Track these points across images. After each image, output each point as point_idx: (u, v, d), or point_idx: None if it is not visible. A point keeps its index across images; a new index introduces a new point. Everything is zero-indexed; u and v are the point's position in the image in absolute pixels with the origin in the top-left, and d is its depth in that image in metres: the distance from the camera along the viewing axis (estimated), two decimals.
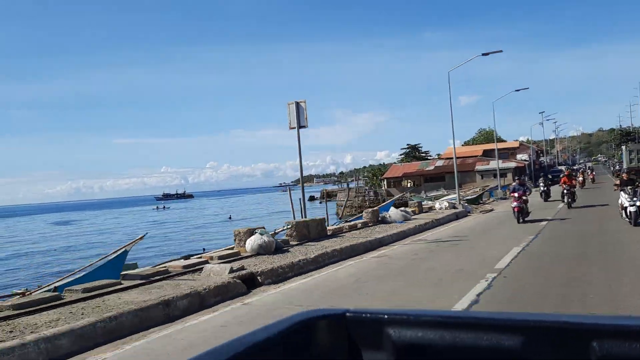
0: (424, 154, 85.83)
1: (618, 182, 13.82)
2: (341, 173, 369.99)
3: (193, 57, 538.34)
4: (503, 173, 40.01)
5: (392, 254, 9.51)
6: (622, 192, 12.56)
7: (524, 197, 14.15)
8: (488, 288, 6.16)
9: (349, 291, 6.50)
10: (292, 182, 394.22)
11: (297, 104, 10.90)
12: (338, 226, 13.57)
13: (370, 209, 15.79)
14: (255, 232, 9.08)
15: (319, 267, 8.27)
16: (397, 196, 37.57)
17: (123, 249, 8.25)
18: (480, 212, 19.74)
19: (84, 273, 7.90)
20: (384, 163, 64.98)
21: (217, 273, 7.27)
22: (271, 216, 51.43)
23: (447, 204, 20.29)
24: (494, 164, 46.08)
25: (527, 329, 0.98)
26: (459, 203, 20.65)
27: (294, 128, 11.06)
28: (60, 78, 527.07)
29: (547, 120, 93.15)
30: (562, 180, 18.62)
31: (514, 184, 15.64)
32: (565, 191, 17.88)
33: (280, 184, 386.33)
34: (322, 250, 9.19)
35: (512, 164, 45.15)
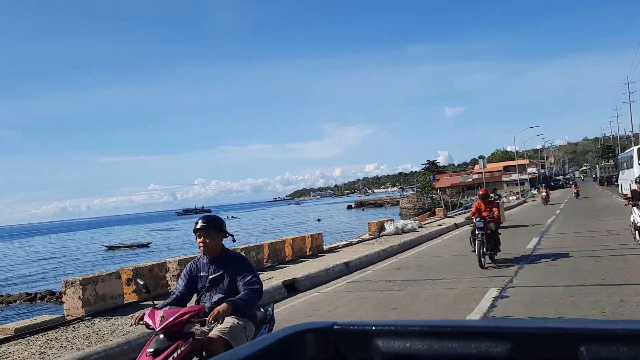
0: (441, 169, 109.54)
1: (629, 194, 10.81)
2: (336, 186, 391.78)
3: (179, 75, 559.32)
4: (522, 182, 63.03)
5: (520, 207, 31.89)
6: (634, 208, 10.20)
7: None
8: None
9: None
10: (286, 196, 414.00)
11: (483, 158, 33.62)
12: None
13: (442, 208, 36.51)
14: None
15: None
16: (449, 200, 60.95)
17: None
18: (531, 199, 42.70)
19: None
20: (428, 173, 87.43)
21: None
22: (353, 219, 73.27)
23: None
24: (514, 176, 69.76)
25: (515, 336, 1.02)
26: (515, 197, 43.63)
27: (482, 170, 33.84)
28: (45, 98, 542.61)
29: (534, 129, 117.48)
30: (474, 208, 10.86)
31: None
32: (476, 231, 9.87)
33: (275, 198, 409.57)
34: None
35: (527, 176, 68.54)
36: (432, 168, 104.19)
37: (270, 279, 9.42)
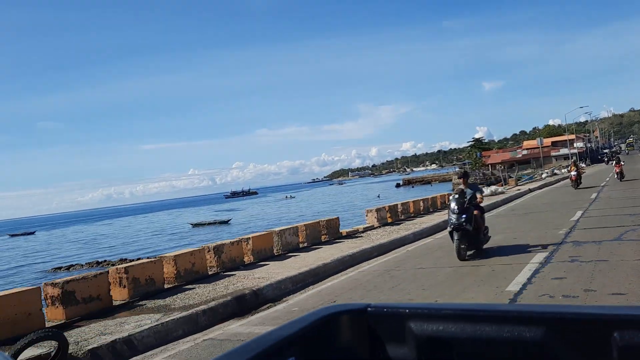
0: (486, 145, 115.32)
1: None
2: (373, 166, 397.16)
3: (214, 60, 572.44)
4: (571, 156, 68.84)
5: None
6: None
7: None
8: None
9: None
10: (324, 177, 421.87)
11: (539, 137, 40.30)
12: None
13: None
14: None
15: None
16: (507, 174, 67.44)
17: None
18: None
19: None
20: (474, 150, 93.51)
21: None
22: (409, 195, 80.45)
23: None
24: (562, 150, 75.58)
25: (548, 321, 1.05)
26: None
27: (539, 145, 40.63)
28: (86, 89, 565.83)
29: (579, 104, 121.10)
30: None
31: None
32: None
33: (313, 179, 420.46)
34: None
35: (575, 150, 74.25)
36: (478, 145, 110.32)
37: (445, 214, 17.17)
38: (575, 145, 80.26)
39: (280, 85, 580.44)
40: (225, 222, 65.28)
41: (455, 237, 9.07)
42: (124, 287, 7.63)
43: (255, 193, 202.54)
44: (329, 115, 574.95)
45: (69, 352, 5.21)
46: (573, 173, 25.40)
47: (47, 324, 6.51)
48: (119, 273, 7.66)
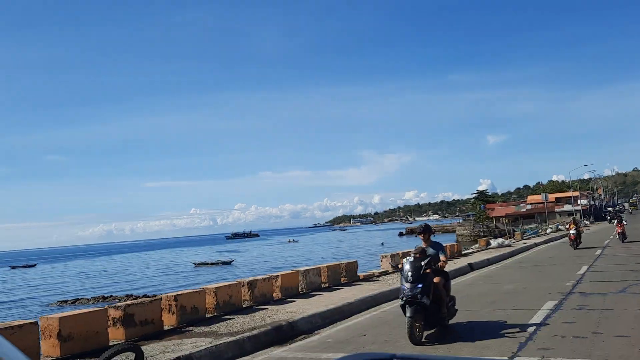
0: (490, 197, 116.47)
1: None
2: (375, 213, 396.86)
3: (222, 102, 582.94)
4: (575, 213, 69.63)
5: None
6: None
7: None
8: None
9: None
10: (326, 222, 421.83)
11: (544, 192, 41.27)
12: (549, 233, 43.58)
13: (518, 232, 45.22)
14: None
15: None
16: (511, 227, 68.12)
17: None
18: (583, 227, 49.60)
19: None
20: (479, 202, 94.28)
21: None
22: (413, 244, 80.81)
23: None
24: (566, 207, 76.37)
25: None
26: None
27: (543, 201, 41.59)
28: (92, 124, 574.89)
29: (584, 159, 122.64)
30: None
31: None
32: None
33: (315, 224, 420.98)
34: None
35: (578, 207, 75.08)
36: (482, 198, 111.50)
37: (456, 263, 17.94)
38: (579, 202, 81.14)
39: (286, 129, 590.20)
40: (228, 263, 65.70)
41: (408, 314, 7.07)
42: (173, 313, 8.43)
43: (257, 235, 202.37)
44: (332, 161, 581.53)
45: None
46: (572, 232, 23.14)
47: (110, 343, 7.29)
48: (169, 300, 8.48)
